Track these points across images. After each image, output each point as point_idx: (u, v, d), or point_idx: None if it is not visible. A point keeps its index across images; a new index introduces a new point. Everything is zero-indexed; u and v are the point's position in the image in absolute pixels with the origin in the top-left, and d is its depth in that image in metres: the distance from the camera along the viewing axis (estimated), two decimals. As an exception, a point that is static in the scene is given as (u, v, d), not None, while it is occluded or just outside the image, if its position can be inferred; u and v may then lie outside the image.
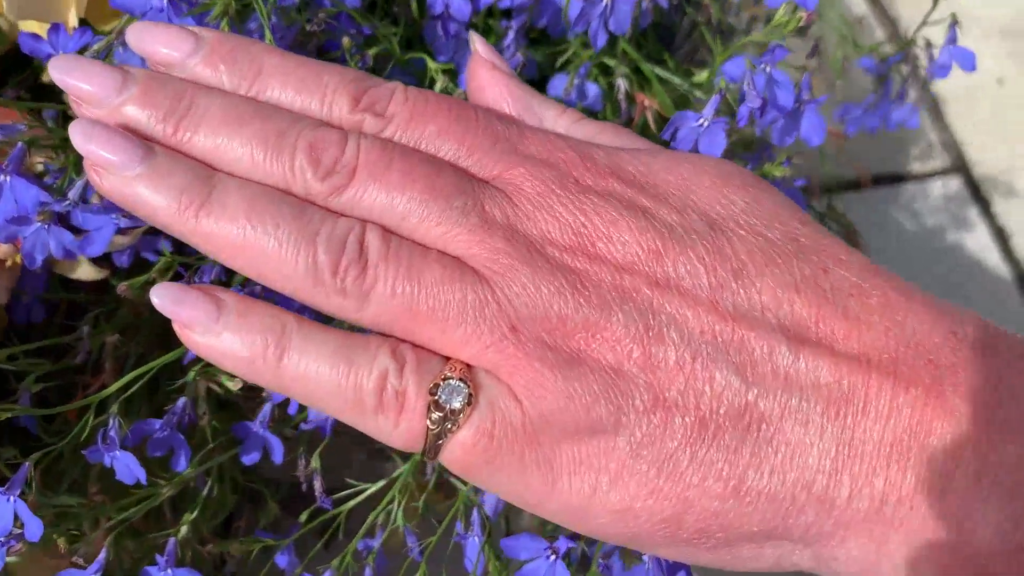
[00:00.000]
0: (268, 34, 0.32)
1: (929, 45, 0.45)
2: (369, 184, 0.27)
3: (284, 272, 0.25)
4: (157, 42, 0.27)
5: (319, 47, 0.36)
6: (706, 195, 0.28)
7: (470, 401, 0.25)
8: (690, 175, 0.28)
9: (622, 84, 0.38)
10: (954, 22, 0.42)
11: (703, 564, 0.26)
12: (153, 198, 0.25)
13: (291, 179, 0.27)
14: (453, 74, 0.38)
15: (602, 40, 0.34)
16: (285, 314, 0.26)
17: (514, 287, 0.25)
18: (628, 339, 0.25)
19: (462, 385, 0.25)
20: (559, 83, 0.39)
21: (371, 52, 0.37)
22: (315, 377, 0.25)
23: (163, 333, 0.37)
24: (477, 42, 0.32)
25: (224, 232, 0.25)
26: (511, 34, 0.38)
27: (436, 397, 0.25)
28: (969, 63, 0.42)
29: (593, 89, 0.39)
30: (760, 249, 0.26)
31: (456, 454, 0.25)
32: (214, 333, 0.25)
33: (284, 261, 0.25)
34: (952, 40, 0.42)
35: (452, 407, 0.25)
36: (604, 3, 0.33)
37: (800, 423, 0.24)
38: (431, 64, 0.37)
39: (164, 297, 0.26)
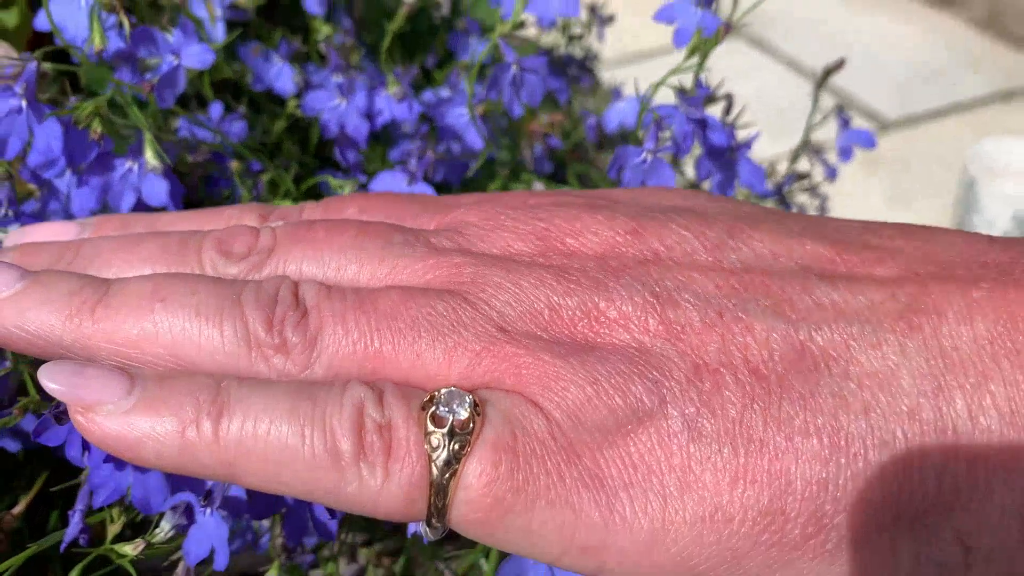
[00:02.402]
0: (148, 135, 0.27)
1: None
2: (292, 249, 0.23)
3: (208, 347, 0.20)
4: (40, 235, 0.25)
5: (205, 178, 0.32)
6: (659, 197, 0.25)
7: (477, 412, 0.19)
8: (635, 190, 0.26)
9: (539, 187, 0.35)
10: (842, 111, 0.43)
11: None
12: (41, 310, 0.21)
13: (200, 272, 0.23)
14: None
15: (518, 111, 0.32)
16: (217, 374, 0.20)
17: (488, 289, 0.21)
18: (638, 312, 0.21)
19: (462, 393, 0.19)
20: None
21: (264, 178, 0.32)
22: (268, 438, 0.19)
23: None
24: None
25: (130, 320, 0.21)
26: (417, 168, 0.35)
27: (434, 410, 0.19)
28: (868, 141, 0.42)
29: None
30: (742, 216, 0.23)
31: (475, 491, 0.19)
32: (127, 410, 0.19)
33: (205, 333, 0.20)
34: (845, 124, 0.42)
35: (458, 417, 0.19)
36: (513, 72, 0.31)
37: (872, 347, 0.20)
38: (333, 181, 0.33)
39: (58, 376, 0.19)
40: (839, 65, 0.41)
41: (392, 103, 0.34)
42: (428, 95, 0.38)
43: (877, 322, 0.20)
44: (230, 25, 0.37)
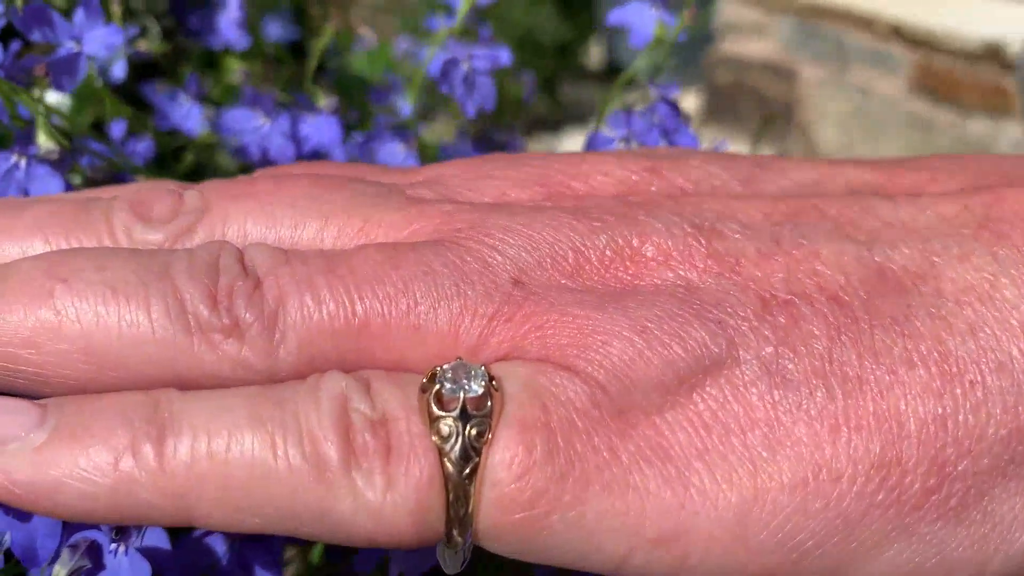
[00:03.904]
0: (41, 118, 0.23)
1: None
2: (230, 207, 0.19)
3: (132, 336, 0.16)
4: None
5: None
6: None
7: (494, 387, 0.15)
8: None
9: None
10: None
11: (955, 561, 0.15)
12: None
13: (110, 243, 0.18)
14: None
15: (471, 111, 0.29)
16: (148, 373, 0.16)
17: (495, 234, 0.17)
18: (680, 246, 0.17)
19: (469, 364, 0.15)
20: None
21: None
22: (228, 456, 0.15)
23: None
24: None
25: (19, 310, 0.16)
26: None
27: (438, 389, 0.15)
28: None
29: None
30: (764, 157, 0.21)
31: (506, 487, 0.15)
32: (39, 446, 0.15)
33: (126, 317, 0.16)
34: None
35: (470, 395, 0.15)
36: (464, 68, 0.28)
37: (960, 260, 0.17)
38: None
39: None
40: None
41: (321, 126, 0.31)
42: (355, 135, 0.34)
43: (957, 235, 0.17)
44: (133, 64, 0.33)
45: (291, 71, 0.36)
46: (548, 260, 0.17)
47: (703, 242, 0.17)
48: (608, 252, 0.17)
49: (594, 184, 0.19)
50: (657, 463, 0.15)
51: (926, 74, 1.47)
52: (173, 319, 0.16)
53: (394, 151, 0.33)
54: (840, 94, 1.60)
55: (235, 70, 0.33)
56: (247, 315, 0.16)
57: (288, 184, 0.19)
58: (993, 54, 1.39)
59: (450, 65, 0.27)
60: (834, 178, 0.20)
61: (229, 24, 0.32)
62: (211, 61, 0.37)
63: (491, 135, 0.46)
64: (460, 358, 0.16)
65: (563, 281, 0.17)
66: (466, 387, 0.15)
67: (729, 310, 0.16)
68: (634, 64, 0.31)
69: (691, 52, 1.97)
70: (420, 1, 1.12)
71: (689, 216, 0.18)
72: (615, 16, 0.29)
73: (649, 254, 0.17)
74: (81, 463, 0.14)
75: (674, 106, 0.27)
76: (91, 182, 0.27)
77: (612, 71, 2.17)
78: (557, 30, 2.02)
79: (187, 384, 0.15)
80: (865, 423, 0.15)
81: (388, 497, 0.14)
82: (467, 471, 0.14)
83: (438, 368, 0.15)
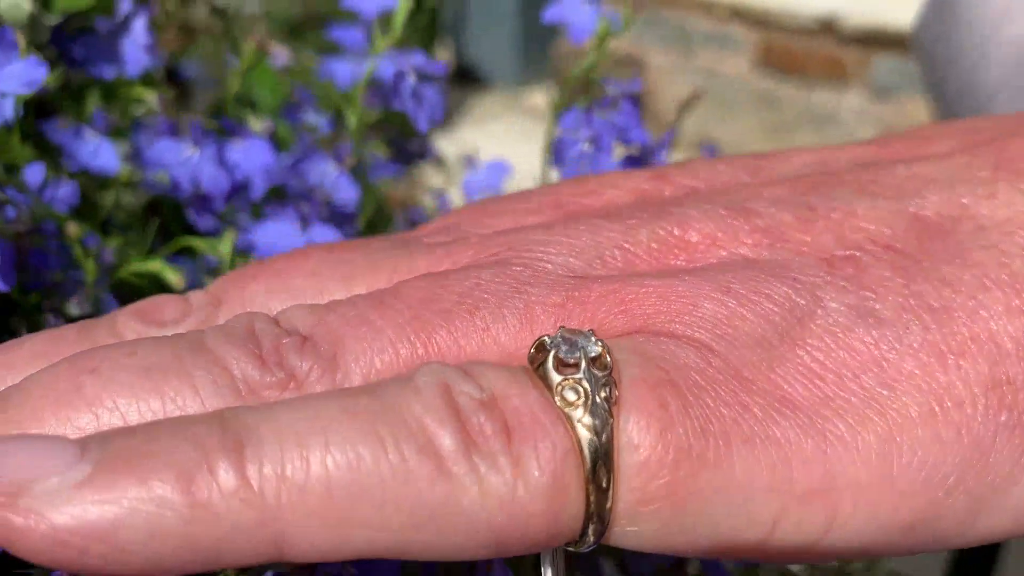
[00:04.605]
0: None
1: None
2: (246, 288, 0.17)
3: (179, 405, 0.14)
4: None
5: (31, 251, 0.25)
6: None
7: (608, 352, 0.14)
8: None
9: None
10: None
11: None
12: None
13: None
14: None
15: (424, 125, 0.27)
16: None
17: (535, 248, 0.16)
18: (723, 226, 0.17)
19: (575, 329, 0.14)
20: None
21: (111, 246, 0.26)
22: (328, 463, 0.13)
23: None
24: None
25: (47, 411, 0.14)
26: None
27: (555, 353, 0.14)
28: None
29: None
30: (761, 155, 0.21)
31: (647, 449, 0.13)
32: (82, 481, 0.12)
33: (168, 395, 0.14)
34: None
35: (591, 352, 0.14)
36: (410, 81, 0.27)
37: (988, 198, 0.17)
38: (200, 243, 0.27)
39: None
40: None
41: (250, 150, 0.29)
42: (281, 156, 0.32)
43: (975, 179, 0.17)
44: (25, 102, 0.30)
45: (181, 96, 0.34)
46: (597, 261, 0.16)
47: (742, 221, 0.17)
48: (653, 244, 0.16)
49: (607, 198, 0.19)
50: (789, 414, 0.14)
51: (768, 52, 1.53)
52: (221, 387, 0.14)
53: (326, 171, 0.31)
54: (688, 78, 1.65)
55: (145, 99, 0.30)
56: (303, 364, 0.14)
57: (300, 256, 0.18)
58: (827, 28, 1.46)
59: (398, 78, 0.26)
60: (836, 157, 0.20)
61: (136, 50, 0.30)
62: (107, 92, 0.34)
63: (403, 145, 0.44)
64: (563, 327, 0.14)
65: (624, 268, 0.16)
66: (585, 348, 0.14)
67: (797, 271, 0.16)
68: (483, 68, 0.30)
69: (538, 49, 1.99)
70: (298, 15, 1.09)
71: (719, 202, 0.17)
72: (552, 13, 0.29)
73: (694, 240, 0.17)
74: (142, 494, 0.12)
75: (636, 102, 0.27)
76: (17, 236, 0.24)
77: (462, 74, 2.16)
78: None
79: None
80: (966, 347, 0.15)
81: (519, 481, 0.13)
82: (605, 435, 0.13)
83: (544, 337, 0.14)
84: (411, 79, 0.27)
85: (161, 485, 0.12)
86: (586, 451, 0.13)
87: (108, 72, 0.32)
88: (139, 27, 0.29)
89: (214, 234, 0.29)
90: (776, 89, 1.54)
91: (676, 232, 0.17)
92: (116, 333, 0.16)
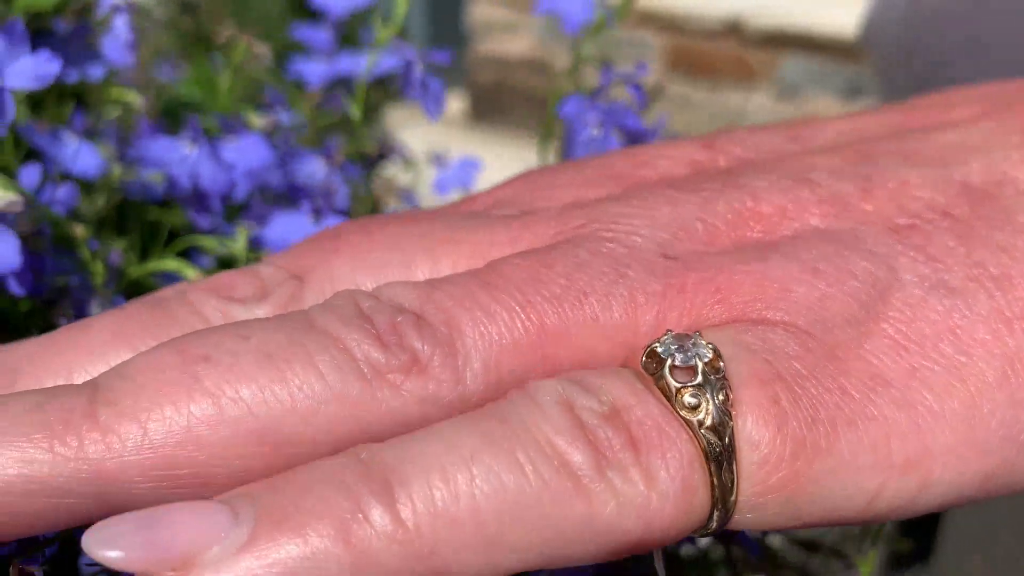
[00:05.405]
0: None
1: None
2: (333, 263, 0.17)
3: (305, 399, 0.14)
4: None
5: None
6: None
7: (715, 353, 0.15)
8: None
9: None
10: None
11: None
12: None
13: None
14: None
15: (435, 113, 0.27)
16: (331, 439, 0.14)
17: (619, 221, 0.17)
18: (792, 197, 0.17)
19: (681, 334, 0.15)
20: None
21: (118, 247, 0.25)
22: (475, 492, 0.13)
23: None
24: None
25: (165, 405, 0.13)
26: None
27: (670, 363, 0.14)
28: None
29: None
30: (797, 122, 0.21)
31: (767, 445, 0.14)
32: (243, 545, 0.12)
33: (295, 379, 0.14)
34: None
35: (704, 358, 0.14)
36: (419, 71, 0.26)
37: (1023, 161, 0.18)
38: (208, 241, 0.26)
39: (119, 537, 0.12)
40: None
41: (246, 148, 0.28)
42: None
43: (1008, 144, 0.18)
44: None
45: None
46: (682, 233, 0.16)
47: (808, 192, 0.17)
48: (730, 216, 0.17)
49: (662, 169, 0.19)
50: (882, 390, 0.15)
51: (678, 55, 1.57)
52: (345, 371, 0.14)
53: (316, 168, 0.31)
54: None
55: (128, 100, 0.29)
56: (424, 347, 0.14)
57: (377, 228, 0.17)
58: (733, 30, 1.51)
59: (408, 68, 0.26)
60: (867, 124, 0.20)
61: (118, 49, 0.29)
62: (77, 93, 0.33)
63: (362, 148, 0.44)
64: (670, 330, 0.15)
65: (704, 249, 0.16)
66: (699, 353, 0.14)
67: (871, 242, 0.16)
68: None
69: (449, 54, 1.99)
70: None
71: (782, 173, 0.18)
72: (545, 4, 0.29)
73: (767, 211, 0.17)
74: (304, 551, 0.12)
75: (640, 89, 0.27)
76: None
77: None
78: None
79: (371, 440, 0.14)
80: None
81: (652, 490, 0.13)
82: (727, 438, 0.14)
83: (656, 344, 0.14)
84: (419, 69, 0.26)
85: (320, 540, 0.12)
86: (711, 455, 0.14)
87: (96, 72, 0.30)
88: (120, 24, 0.28)
89: (211, 232, 0.28)
90: (687, 90, 1.58)
91: (749, 204, 0.17)
92: (197, 312, 0.16)
